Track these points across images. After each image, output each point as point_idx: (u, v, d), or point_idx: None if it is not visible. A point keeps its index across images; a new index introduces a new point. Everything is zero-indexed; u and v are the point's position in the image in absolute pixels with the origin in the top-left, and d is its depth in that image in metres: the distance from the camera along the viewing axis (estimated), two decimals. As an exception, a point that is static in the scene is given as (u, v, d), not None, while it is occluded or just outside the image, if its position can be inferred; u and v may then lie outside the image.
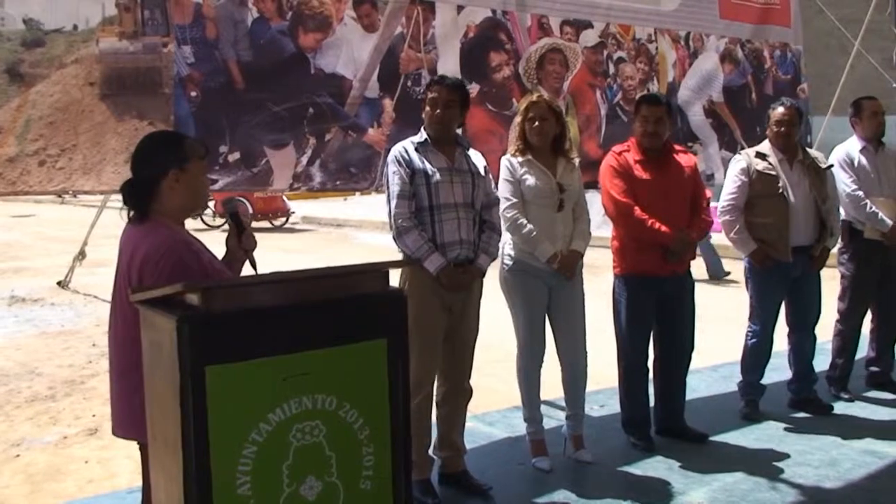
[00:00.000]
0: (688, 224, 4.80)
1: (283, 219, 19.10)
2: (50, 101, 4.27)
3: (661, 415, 5.06)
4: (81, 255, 11.47)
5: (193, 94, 4.41)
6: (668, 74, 6.32)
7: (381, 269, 2.80)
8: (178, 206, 2.96)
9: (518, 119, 4.67)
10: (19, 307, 10.13)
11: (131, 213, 2.95)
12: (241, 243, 3.13)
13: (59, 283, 11.33)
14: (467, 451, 4.48)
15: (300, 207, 20.57)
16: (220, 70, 4.48)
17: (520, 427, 4.84)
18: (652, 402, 5.05)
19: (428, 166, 4.18)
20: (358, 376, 2.60)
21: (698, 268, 4.99)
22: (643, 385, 4.97)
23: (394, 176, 4.18)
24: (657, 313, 4.88)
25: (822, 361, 5.87)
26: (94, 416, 5.87)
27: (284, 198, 18.41)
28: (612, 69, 6.00)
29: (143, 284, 2.76)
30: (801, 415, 5.44)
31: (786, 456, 4.78)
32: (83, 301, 10.35)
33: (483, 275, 4.31)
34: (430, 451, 4.38)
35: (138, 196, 2.93)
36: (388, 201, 4.21)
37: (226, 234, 3.20)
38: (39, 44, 4.28)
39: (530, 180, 4.51)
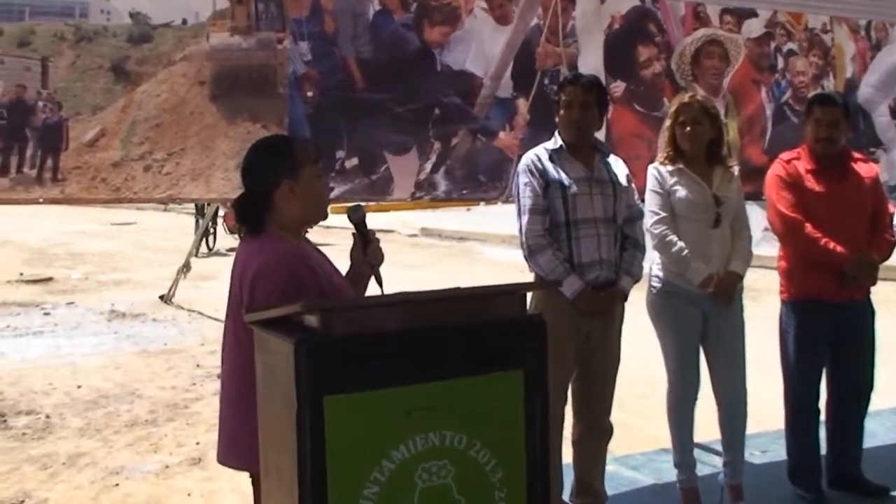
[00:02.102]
0: (868, 243, 4.64)
1: None
2: (157, 101, 4.44)
3: (834, 464, 4.89)
4: (186, 267, 11.86)
5: (310, 94, 4.52)
6: (846, 69, 6.14)
7: (517, 292, 2.80)
8: (297, 217, 3.02)
9: (668, 123, 4.61)
10: (119, 322, 10.55)
11: (244, 229, 3.04)
12: (367, 257, 3.16)
13: (161, 298, 11.74)
14: (608, 497, 4.43)
15: (419, 218, 20.79)
16: (339, 68, 4.57)
17: (669, 473, 4.76)
18: (823, 449, 4.89)
19: (564, 176, 4.17)
20: (491, 411, 2.58)
21: (877, 293, 4.81)
22: (814, 429, 4.82)
23: (525, 188, 4.18)
24: (831, 346, 4.73)
25: None
26: (198, 443, 6.05)
27: None
28: (780, 63, 5.87)
29: (254, 302, 2.83)
30: None
31: (984, 516, 4.57)
32: (187, 317, 10.71)
33: (625, 298, 4.27)
34: (567, 498, 4.35)
35: (252, 210, 3.01)
36: (519, 216, 4.21)
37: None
38: (146, 39, 4.46)
39: (682, 192, 4.44)
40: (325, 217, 3.12)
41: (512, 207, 4.39)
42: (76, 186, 4.26)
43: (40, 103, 4.22)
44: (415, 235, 20.37)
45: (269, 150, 3.07)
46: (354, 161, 4.65)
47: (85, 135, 4.28)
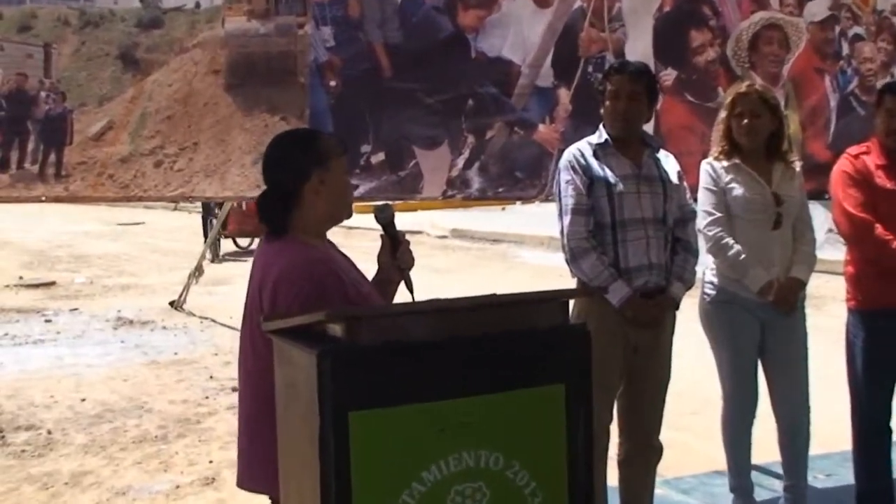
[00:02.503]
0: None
1: (250, 241, 17.37)
2: (168, 91, 4.46)
3: (908, 489, 4.85)
4: (198, 271, 11.93)
5: (332, 83, 4.53)
6: (918, 55, 6.08)
7: (558, 299, 2.79)
8: (324, 215, 3.03)
9: (723, 114, 4.60)
10: (126, 331, 10.62)
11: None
12: (396, 261, 3.18)
13: (171, 304, 11.83)
14: (657, 524, 4.42)
15: (449, 218, 20.80)
16: (365, 55, 4.58)
17: (724, 498, 4.74)
18: (895, 473, 4.84)
19: (609, 173, 4.15)
20: (530, 429, 2.57)
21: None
22: (885, 450, 4.76)
23: (567, 186, 4.17)
24: (904, 359, 4.69)
25: None
26: (211, 462, 6.08)
27: None
28: (845, 49, 5.81)
29: (274, 309, 2.83)
30: None
31: None
32: (199, 325, 10.77)
33: (677, 307, 4.25)
34: (612, 523, 4.35)
35: (278, 208, 3.00)
36: (561, 217, 4.21)
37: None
38: (157, 24, 4.48)
39: (738, 190, 4.43)
40: (349, 215, 3.13)
41: (551, 207, 4.38)
42: (81, 183, 4.29)
43: (42, 93, 4.25)
44: (445, 237, 20.38)
45: (295, 143, 3.09)
46: (381, 156, 4.66)
47: (91, 128, 4.31)
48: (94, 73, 4.35)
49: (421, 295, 2.87)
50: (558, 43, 4.99)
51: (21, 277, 14.57)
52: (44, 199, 4.27)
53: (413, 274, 3.18)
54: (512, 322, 2.66)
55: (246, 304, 3.03)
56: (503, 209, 22.57)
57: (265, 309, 2.87)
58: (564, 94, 4.98)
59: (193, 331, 10.50)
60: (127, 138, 4.32)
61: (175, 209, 26.53)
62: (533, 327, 2.68)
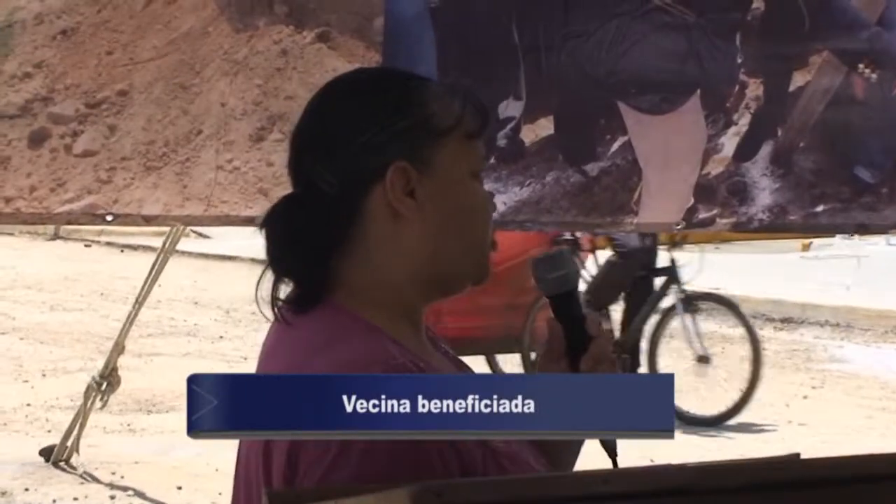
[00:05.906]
0: None
1: None
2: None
3: None
4: (107, 379, 12.10)
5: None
6: None
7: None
8: (418, 263, 3.08)
9: None
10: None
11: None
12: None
13: (44, 455, 12.01)
14: None
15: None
16: None
17: None
18: None
19: None
20: None
21: None
22: None
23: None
24: None
25: None
26: None
27: None
28: None
29: (297, 476, 2.90)
30: None
31: None
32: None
33: None
34: None
35: (312, 244, 3.06)
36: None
37: None
38: None
39: None
40: (483, 273, 3.13)
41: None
42: None
43: None
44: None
45: (361, 96, 3.15)
46: (545, 126, 4.69)
47: None
48: None
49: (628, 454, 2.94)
50: None
51: None
52: None
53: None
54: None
55: (238, 460, 3.13)
56: (805, 249, 22.58)
57: (275, 476, 2.94)
58: None
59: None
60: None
61: (55, 237, 26.89)
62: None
